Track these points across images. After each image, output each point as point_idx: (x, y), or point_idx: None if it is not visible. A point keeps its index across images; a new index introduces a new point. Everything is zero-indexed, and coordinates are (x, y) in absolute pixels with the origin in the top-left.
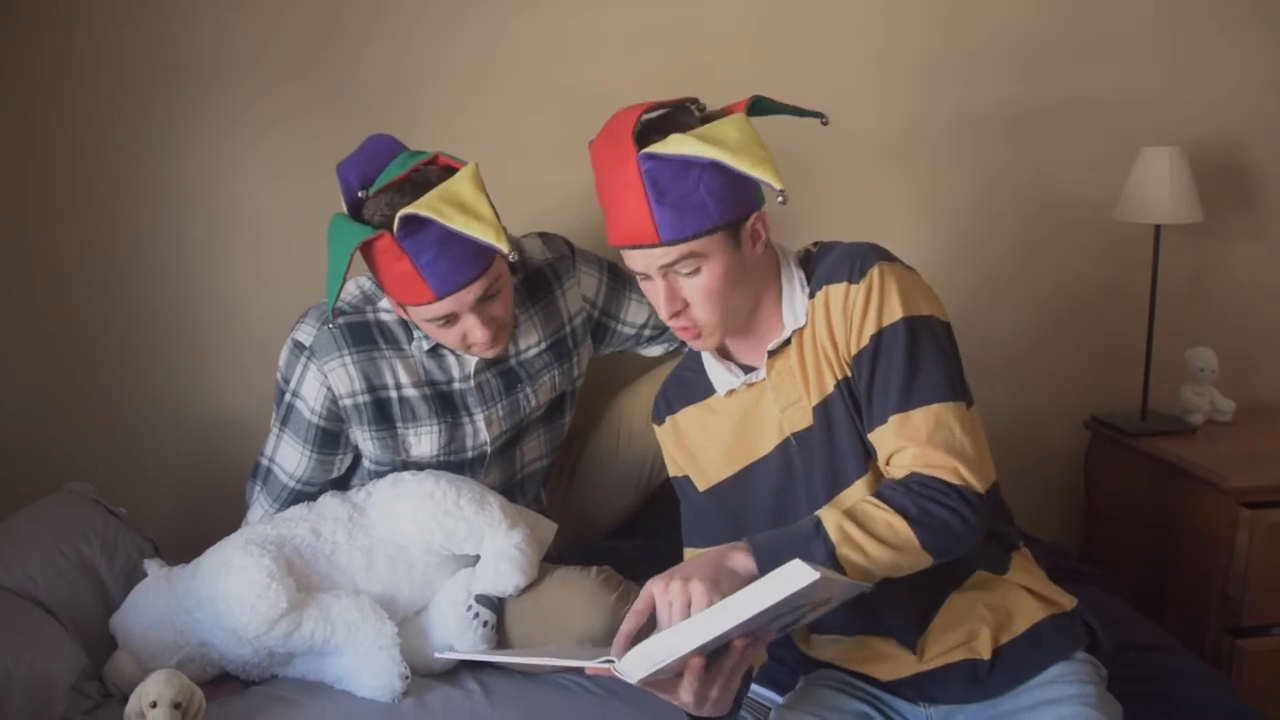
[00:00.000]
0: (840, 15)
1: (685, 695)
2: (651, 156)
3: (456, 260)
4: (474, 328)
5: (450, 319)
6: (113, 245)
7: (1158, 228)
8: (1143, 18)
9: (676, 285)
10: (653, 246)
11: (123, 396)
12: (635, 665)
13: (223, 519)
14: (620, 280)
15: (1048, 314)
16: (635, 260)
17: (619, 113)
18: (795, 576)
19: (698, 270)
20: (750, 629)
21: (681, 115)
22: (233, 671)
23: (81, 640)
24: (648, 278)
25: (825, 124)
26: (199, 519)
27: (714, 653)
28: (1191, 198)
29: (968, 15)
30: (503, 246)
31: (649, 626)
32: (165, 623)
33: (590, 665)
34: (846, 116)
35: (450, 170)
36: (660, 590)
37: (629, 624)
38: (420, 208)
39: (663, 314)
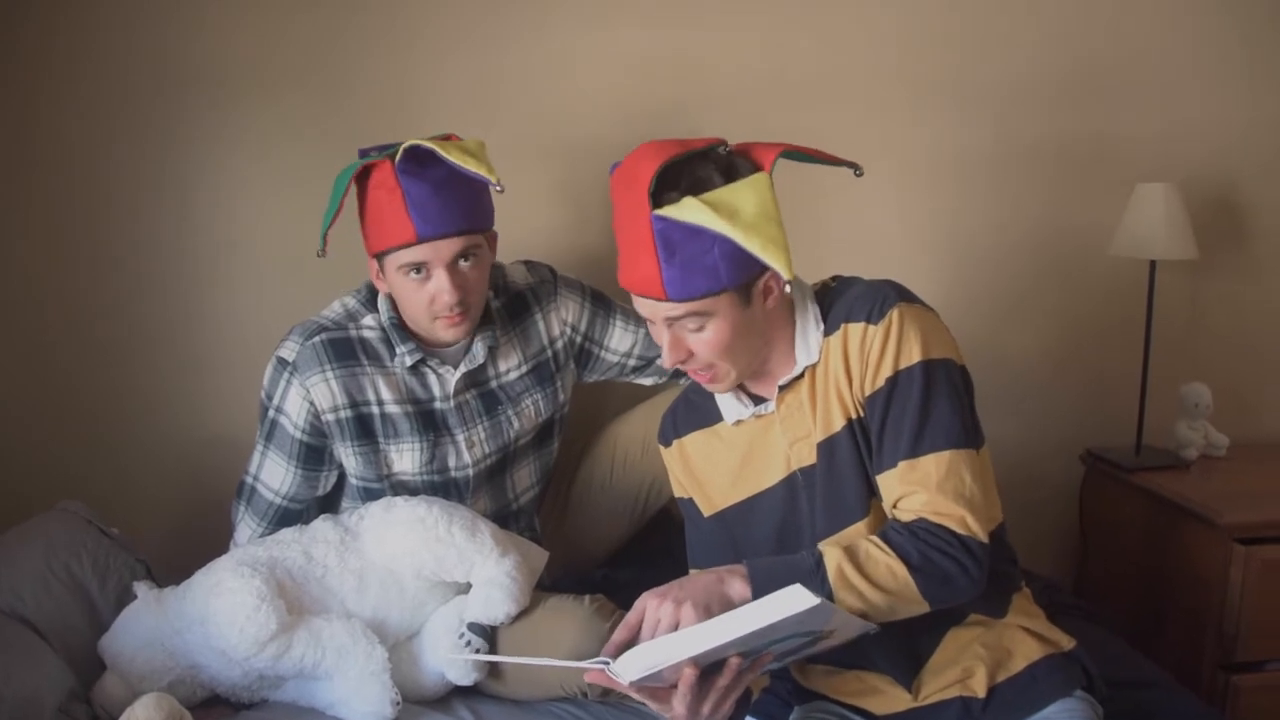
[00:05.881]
0: (850, 48)
1: (679, 707)
2: (663, 219)
3: (444, 207)
4: (444, 289)
5: (423, 270)
6: (113, 261)
7: (1153, 263)
8: (1137, 57)
9: (681, 337)
10: (659, 301)
11: (120, 414)
12: (629, 667)
13: (217, 539)
14: (604, 306)
15: (1043, 348)
16: (642, 307)
17: (643, 148)
18: (793, 601)
19: (702, 327)
20: (746, 648)
21: (701, 167)
22: (223, 694)
23: (70, 662)
24: (653, 323)
25: (859, 175)
26: (193, 539)
27: (709, 668)
28: (1186, 234)
29: (965, 56)
30: (492, 178)
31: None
32: (155, 644)
33: (586, 666)
34: (848, 147)
35: None
36: (653, 607)
37: (620, 634)
38: (425, 142)
39: (668, 362)
